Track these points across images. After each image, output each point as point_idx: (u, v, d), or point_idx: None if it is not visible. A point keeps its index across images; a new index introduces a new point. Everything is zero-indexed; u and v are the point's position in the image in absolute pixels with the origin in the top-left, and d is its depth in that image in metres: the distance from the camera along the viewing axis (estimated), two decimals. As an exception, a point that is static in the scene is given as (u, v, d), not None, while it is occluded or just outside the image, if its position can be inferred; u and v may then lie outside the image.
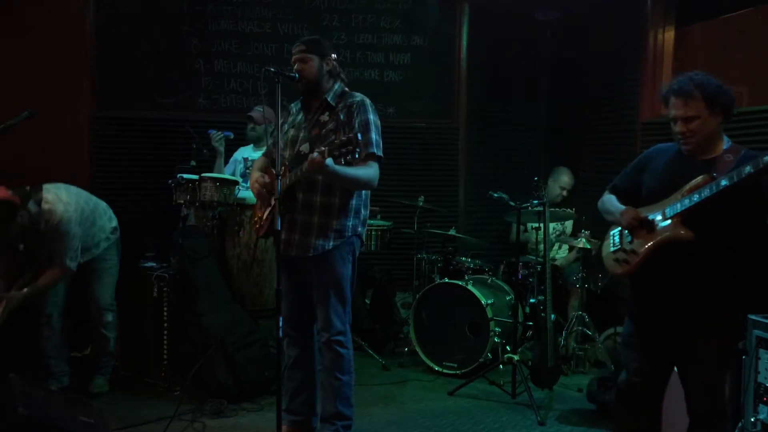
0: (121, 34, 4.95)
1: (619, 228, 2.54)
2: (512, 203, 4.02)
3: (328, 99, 2.91)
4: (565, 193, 5.03)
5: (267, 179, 2.92)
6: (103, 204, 3.82)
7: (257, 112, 4.25)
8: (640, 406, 2.51)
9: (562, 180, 5.03)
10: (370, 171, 2.80)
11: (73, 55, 4.82)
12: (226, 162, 4.49)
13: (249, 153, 4.49)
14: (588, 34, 5.24)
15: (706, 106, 2.28)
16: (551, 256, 4.61)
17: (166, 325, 3.80)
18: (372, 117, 2.85)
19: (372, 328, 4.72)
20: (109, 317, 3.79)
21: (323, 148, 2.52)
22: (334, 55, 2.96)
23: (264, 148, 3.85)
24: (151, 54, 5.01)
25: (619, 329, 4.27)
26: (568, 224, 5.03)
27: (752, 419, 2.30)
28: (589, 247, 4.22)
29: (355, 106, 2.85)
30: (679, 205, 2.29)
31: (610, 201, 2.60)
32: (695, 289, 2.30)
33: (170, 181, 4.01)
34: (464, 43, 5.40)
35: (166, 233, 4.02)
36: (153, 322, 3.82)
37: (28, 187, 3.38)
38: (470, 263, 4.61)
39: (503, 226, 5.27)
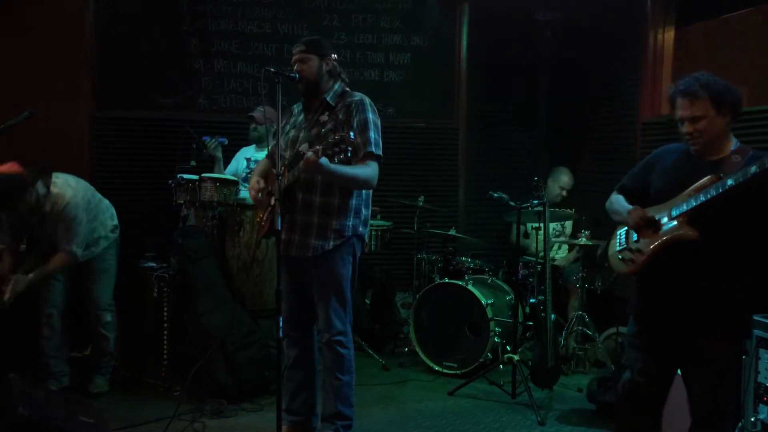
0: (121, 34, 4.95)
1: (626, 227, 2.54)
2: (512, 203, 4.02)
3: (327, 99, 2.91)
4: (564, 193, 5.03)
5: (263, 184, 2.92)
6: (106, 202, 3.85)
7: (259, 112, 4.25)
8: (642, 406, 2.50)
9: (562, 180, 5.03)
10: (368, 170, 2.80)
11: (73, 55, 4.83)
12: (228, 163, 4.49)
13: (251, 153, 4.49)
14: (588, 34, 5.24)
15: (712, 105, 2.28)
16: (551, 256, 4.61)
17: (166, 325, 3.80)
18: (371, 116, 2.85)
19: (372, 328, 4.72)
20: (108, 317, 3.79)
21: (317, 147, 2.53)
22: (334, 56, 2.95)
23: (266, 148, 3.86)
24: (151, 54, 5.01)
25: (620, 329, 4.29)
26: (568, 224, 5.03)
27: (752, 419, 2.30)
28: (590, 243, 4.22)
29: (353, 105, 2.85)
30: (685, 205, 2.29)
31: (617, 201, 2.60)
32: (700, 289, 2.30)
33: (170, 181, 4.01)
34: (464, 43, 5.40)
35: (166, 233, 4.02)
36: (153, 322, 3.82)
37: (37, 169, 3.42)
38: (470, 263, 4.61)
39: (503, 226, 5.27)
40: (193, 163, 4.20)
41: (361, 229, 2.94)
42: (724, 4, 4.12)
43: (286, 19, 5.17)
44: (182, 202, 4.03)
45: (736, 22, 4.07)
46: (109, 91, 4.98)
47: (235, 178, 4.22)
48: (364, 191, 2.93)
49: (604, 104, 5.13)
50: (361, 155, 2.79)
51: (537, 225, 4.37)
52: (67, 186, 3.50)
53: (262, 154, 4.35)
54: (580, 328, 4.32)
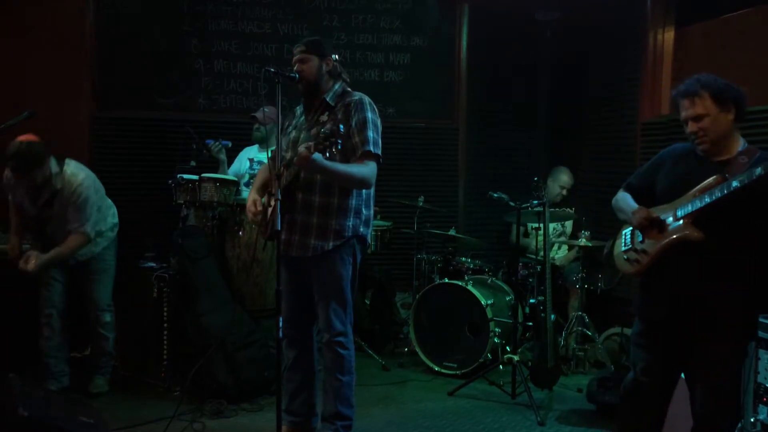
0: (121, 34, 4.95)
1: (631, 227, 2.54)
2: (512, 203, 4.02)
3: (327, 99, 2.91)
4: (564, 192, 5.03)
5: (260, 207, 2.92)
6: (109, 200, 3.87)
7: (262, 112, 4.24)
8: (645, 406, 2.50)
9: (562, 179, 5.03)
10: (364, 169, 2.79)
11: (73, 55, 4.83)
12: (231, 163, 4.49)
13: (254, 153, 4.49)
14: (588, 34, 5.24)
15: (714, 103, 2.29)
16: (551, 256, 4.61)
17: (166, 325, 3.80)
18: (370, 115, 2.84)
19: (372, 328, 4.72)
20: (107, 317, 3.79)
21: (310, 143, 2.54)
22: (335, 56, 2.95)
23: (270, 148, 3.85)
24: (151, 54, 5.01)
25: (619, 329, 4.30)
26: (568, 224, 5.03)
27: (752, 419, 2.30)
28: (590, 244, 4.22)
29: (352, 104, 2.85)
30: (690, 206, 2.29)
31: (623, 199, 2.59)
32: (704, 290, 2.30)
33: (170, 181, 4.01)
34: (464, 43, 5.40)
35: (166, 233, 4.02)
36: (153, 322, 3.82)
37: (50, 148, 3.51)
38: (470, 263, 4.61)
39: (503, 226, 5.27)
40: (193, 163, 4.19)
41: (362, 229, 2.93)
42: (724, 4, 4.12)
43: (286, 20, 5.17)
44: (182, 202, 4.03)
45: (736, 22, 4.07)
46: (109, 91, 4.98)
47: (236, 179, 4.23)
48: (364, 191, 2.92)
49: (604, 104, 5.13)
50: (359, 154, 2.79)
51: (537, 225, 4.37)
52: (79, 169, 3.61)
53: (264, 155, 4.35)
54: (580, 328, 4.32)
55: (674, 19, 4.56)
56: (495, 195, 4.06)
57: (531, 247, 4.82)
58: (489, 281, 4.55)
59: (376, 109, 2.92)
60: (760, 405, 2.28)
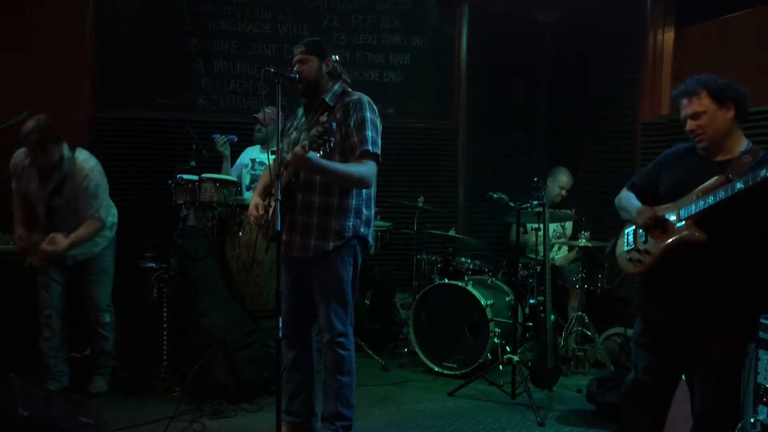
0: (121, 34, 4.95)
1: (634, 227, 2.53)
2: (512, 204, 4.02)
3: (326, 99, 2.91)
4: (564, 192, 5.03)
5: (261, 210, 2.91)
6: (110, 200, 3.86)
7: (263, 113, 4.24)
8: (645, 405, 2.50)
9: (561, 180, 5.03)
10: (362, 168, 2.79)
11: (73, 55, 4.82)
12: (233, 164, 4.49)
13: (256, 154, 4.49)
14: (588, 34, 5.24)
15: (712, 100, 2.29)
16: (550, 256, 4.61)
17: (165, 325, 3.80)
18: (368, 115, 2.83)
19: (372, 328, 4.72)
20: (107, 318, 3.79)
21: (305, 142, 2.55)
22: (336, 57, 2.95)
23: (271, 149, 3.86)
24: (151, 54, 5.00)
25: (619, 330, 4.30)
26: (568, 225, 5.03)
27: (752, 420, 2.30)
28: (590, 245, 4.22)
29: (351, 104, 2.84)
30: (693, 207, 2.29)
31: (627, 198, 2.58)
32: (706, 291, 2.30)
33: (170, 181, 4.01)
34: (464, 43, 5.40)
35: (166, 233, 4.02)
36: (153, 323, 3.82)
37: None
38: (470, 264, 4.61)
39: (503, 226, 5.27)
40: (192, 163, 4.19)
41: (362, 229, 2.93)
42: (724, 4, 4.12)
43: (286, 20, 5.17)
44: (182, 202, 4.03)
45: (736, 22, 4.07)
46: (109, 91, 4.98)
47: (236, 179, 4.22)
48: (364, 191, 2.92)
49: (604, 104, 5.13)
50: (358, 154, 2.79)
51: (537, 226, 4.37)
52: (90, 157, 3.67)
53: (266, 155, 4.35)
54: (580, 328, 4.32)
55: (674, 19, 4.56)
56: (495, 195, 4.06)
57: (531, 243, 4.82)
58: (489, 281, 4.55)
59: (376, 109, 2.91)
60: (760, 405, 2.28)
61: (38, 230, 3.63)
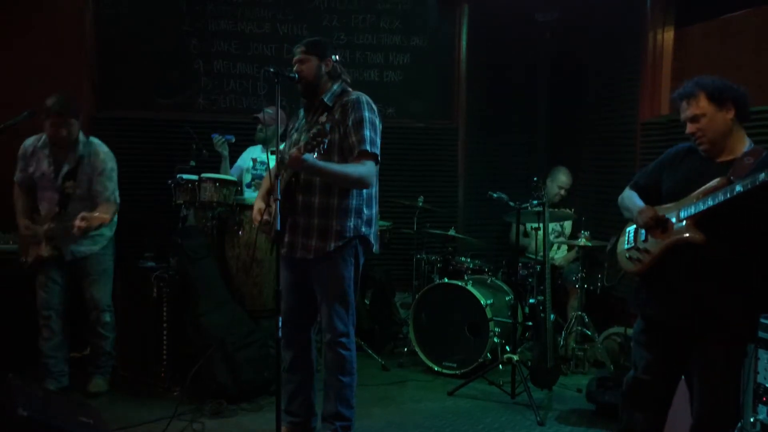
0: (121, 34, 4.95)
1: (635, 225, 2.54)
2: (512, 203, 4.02)
3: (325, 99, 2.91)
4: (563, 192, 5.03)
5: (265, 216, 2.91)
6: None
7: (266, 113, 4.24)
8: (645, 404, 2.51)
9: (560, 179, 5.03)
10: (360, 168, 2.78)
11: (73, 55, 4.82)
12: (232, 164, 4.49)
13: (257, 153, 4.49)
14: (588, 34, 5.24)
15: (710, 102, 2.29)
16: (550, 256, 4.61)
17: (165, 325, 3.80)
18: (366, 114, 2.83)
19: (371, 328, 4.72)
20: (107, 317, 3.79)
21: (301, 144, 2.57)
22: (336, 57, 2.95)
23: (271, 149, 3.86)
24: (151, 54, 5.01)
25: (619, 329, 4.29)
26: (567, 225, 5.03)
27: (751, 419, 2.30)
28: (589, 244, 4.22)
29: (349, 104, 2.84)
30: (693, 208, 2.29)
31: (630, 197, 2.58)
32: (706, 291, 2.30)
33: (170, 181, 4.02)
34: (464, 43, 5.40)
35: (166, 233, 4.02)
36: (152, 322, 3.82)
37: None
38: (470, 263, 4.61)
39: (503, 226, 5.28)
40: (192, 163, 4.19)
41: (363, 229, 2.92)
42: (724, 4, 4.12)
43: (286, 20, 5.17)
44: (182, 202, 4.03)
45: (736, 22, 4.06)
46: (109, 91, 4.97)
47: (235, 179, 4.22)
48: (365, 191, 2.92)
49: (604, 104, 5.13)
50: (356, 153, 2.79)
51: (536, 225, 4.37)
52: (102, 143, 3.75)
53: (266, 155, 4.36)
54: (580, 328, 4.32)
55: (674, 19, 4.56)
56: (495, 195, 4.06)
57: (531, 247, 4.82)
58: (488, 281, 4.55)
59: (375, 108, 2.91)
60: (760, 405, 2.28)
61: (40, 221, 3.62)
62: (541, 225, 4.11)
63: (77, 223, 3.38)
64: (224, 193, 4.00)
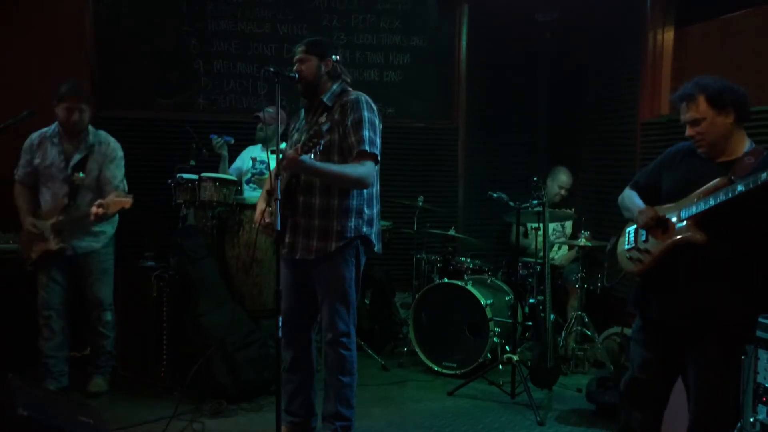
0: (121, 34, 4.95)
1: (635, 226, 2.54)
2: (512, 203, 4.02)
3: (324, 99, 2.91)
4: (563, 192, 5.03)
5: (268, 219, 2.90)
6: None
7: (267, 112, 4.24)
8: (643, 403, 2.51)
9: (560, 179, 5.03)
10: (360, 168, 2.78)
11: (73, 55, 4.82)
12: (233, 160, 4.49)
13: (257, 153, 4.49)
14: (588, 34, 5.24)
15: (710, 106, 2.28)
16: (550, 256, 4.61)
17: (165, 325, 3.80)
18: (366, 114, 2.82)
19: (371, 328, 4.72)
20: (109, 316, 3.79)
21: (298, 145, 2.58)
22: (336, 57, 2.95)
23: (271, 148, 3.86)
24: (151, 54, 5.01)
25: (619, 329, 4.29)
26: (568, 225, 5.03)
27: (751, 419, 2.30)
28: (590, 244, 4.22)
29: (348, 104, 2.84)
30: (694, 208, 2.29)
31: (630, 197, 2.58)
32: (706, 291, 2.30)
33: (170, 181, 4.02)
34: (464, 43, 5.39)
35: (166, 233, 4.02)
36: (152, 322, 3.82)
37: None
38: (470, 263, 4.61)
39: (503, 226, 5.27)
40: (192, 162, 4.19)
41: (364, 229, 2.92)
42: (724, 4, 4.12)
43: (286, 20, 5.17)
44: (182, 201, 4.03)
45: (736, 22, 4.06)
46: (109, 91, 4.97)
47: (235, 178, 4.22)
48: (365, 191, 2.92)
49: (604, 104, 5.13)
50: (355, 154, 2.79)
51: (536, 225, 4.37)
52: (109, 135, 3.81)
53: (266, 154, 4.36)
54: (580, 328, 4.32)
55: (674, 19, 4.56)
56: (495, 195, 4.06)
57: (530, 248, 4.82)
58: (488, 281, 4.55)
59: (375, 108, 2.90)
60: (760, 405, 2.28)
61: (45, 216, 3.61)
62: (541, 225, 4.11)
63: (94, 210, 3.36)
64: (224, 193, 4.00)
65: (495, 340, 4.13)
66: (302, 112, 3.08)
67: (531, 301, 4.26)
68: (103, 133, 3.77)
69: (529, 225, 4.83)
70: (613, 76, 5.01)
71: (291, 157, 2.57)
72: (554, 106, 5.52)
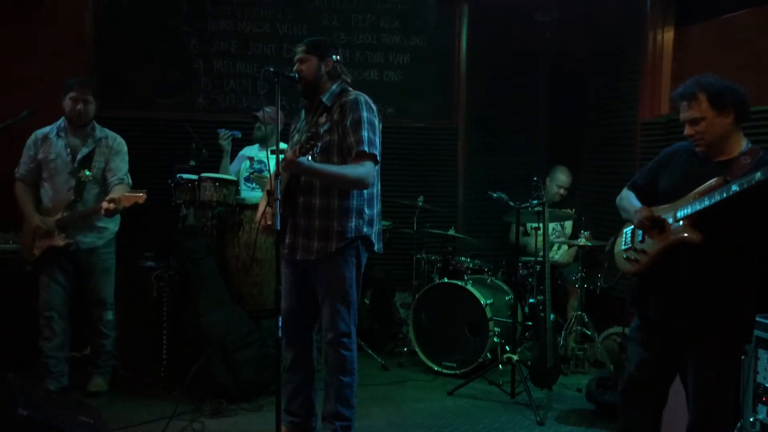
0: (121, 34, 4.95)
1: (632, 226, 2.54)
2: (511, 203, 4.02)
3: (324, 100, 2.90)
4: (563, 191, 5.03)
5: (269, 221, 2.90)
6: None
7: (264, 112, 4.24)
8: (641, 403, 2.51)
9: (560, 179, 5.03)
10: (360, 169, 2.78)
11: (73, 55, 4.82)
12: (232, 160, 4.49)
13: (254, 152, 4.49)
14: (587, 34, 5.24)
15: (711, 106, 2.28)
16: (550, 256, 4.61)
17: (165, 325, 3.80)
18: (365, 114, 2.82)
19: (371, 328, 4.72)
20: (110, 316, 3.80)
21: (296, 147, 2.58)
22: (336, 57, 2.94)
23: (270, 148, 3.86)
24: (151, 54, 5.00)
25: (619, 329, 4.29)
26: (568, 225, 5.03)
27: (751, 419, 2.30)
28: (589, 244, 4.23)
29: (348, 104, 2.84)
30: (689, 208, 2.29)
31: (627, 198, 2.59)
32: (703, 291, 2.30)
33: (170, 181, 4.01)
34: (464, 43, 5.39)
35: (166, 233, 4.02)
36: (152, 322, 3.82)
37: None
38: (469, 263, 4.61)
39: (502, 226, 5.27)
40: (192, 162, 4.19)
41: (365, 229, 2.92)
42: (724, 4, 4.12)
43: (286, 19, 5.17)
44: (182, 201, 4.03)
45: (736, 22, 4.06)
46: (109, 91, 4.96)
47: (235, 178, 4.22)
48: (365, 191, 2.91)
49: (604, 104, 5.13)
50: (354, 154, 2.79)
51: (536, 225, 4.37)
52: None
53: (264, 153, 4.36)
54: (580, 328, 4.32)
55: (674, 19, 4.55)
56: (494, 195, 4.06)
57: (530, 246, 4.82)
58: (488, 281, 4.55)
59: (374, 108, 2.90)
60: (760, 404, 2.28)
61: (49, 212, 3.60)
62: (541, 225, 4.11)
63: (105, 205, 3.35)
64: (224, 193, 4.00)
65: (495, 339, 4.13)
66: (302, 113, 3.08)
67: (531, 300, 4.25)
68: (108, 130, 3.81)
69: (528, 225, 4.83)
70: (613, 76, 5.01)
71: (289, 159, 2.58)
72: (554, 106, 5.52)
